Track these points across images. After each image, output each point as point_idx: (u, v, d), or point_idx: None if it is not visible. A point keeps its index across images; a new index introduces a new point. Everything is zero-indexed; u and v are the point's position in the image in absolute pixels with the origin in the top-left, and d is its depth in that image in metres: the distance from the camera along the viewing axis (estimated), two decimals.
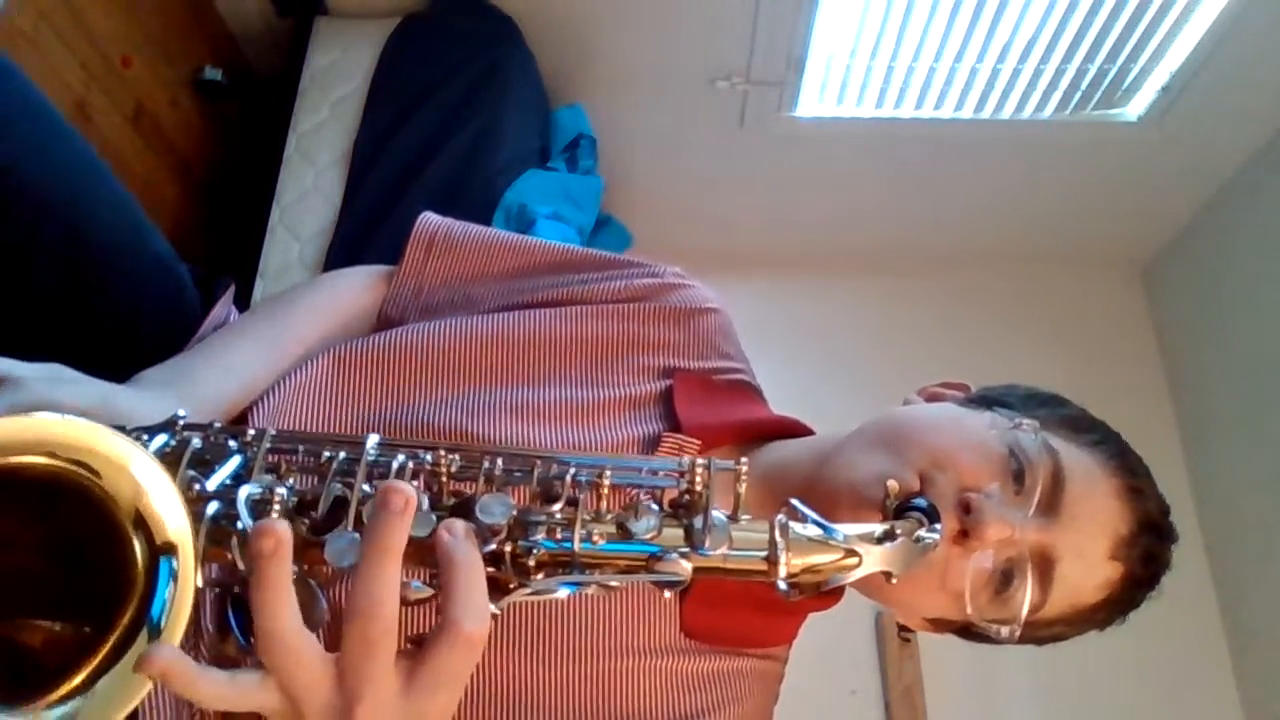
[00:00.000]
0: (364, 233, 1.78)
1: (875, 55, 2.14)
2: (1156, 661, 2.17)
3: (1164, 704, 2.20)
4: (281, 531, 0.41)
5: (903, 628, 2.16)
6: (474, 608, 0.42)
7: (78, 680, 0.37)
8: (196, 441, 0.48)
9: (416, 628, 0.44)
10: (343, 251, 1.77)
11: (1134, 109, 2.24)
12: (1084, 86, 2.18)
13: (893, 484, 0.53)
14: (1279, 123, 2.22)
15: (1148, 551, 0.66)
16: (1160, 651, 2.16)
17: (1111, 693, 2.17)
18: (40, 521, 0.40)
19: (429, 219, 0.86)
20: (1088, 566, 0.65)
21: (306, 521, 0.46)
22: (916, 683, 2.15)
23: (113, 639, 0.38)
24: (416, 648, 0.43)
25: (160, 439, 0.49)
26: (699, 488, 0.46)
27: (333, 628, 0.44)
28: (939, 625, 0.71)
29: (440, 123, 1.88)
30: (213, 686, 0.40)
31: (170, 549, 0.39)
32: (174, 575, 0.39)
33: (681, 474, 0.47)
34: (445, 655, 0.42)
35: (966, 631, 0.70)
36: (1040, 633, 0.68)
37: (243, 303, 1.48)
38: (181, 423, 0.50)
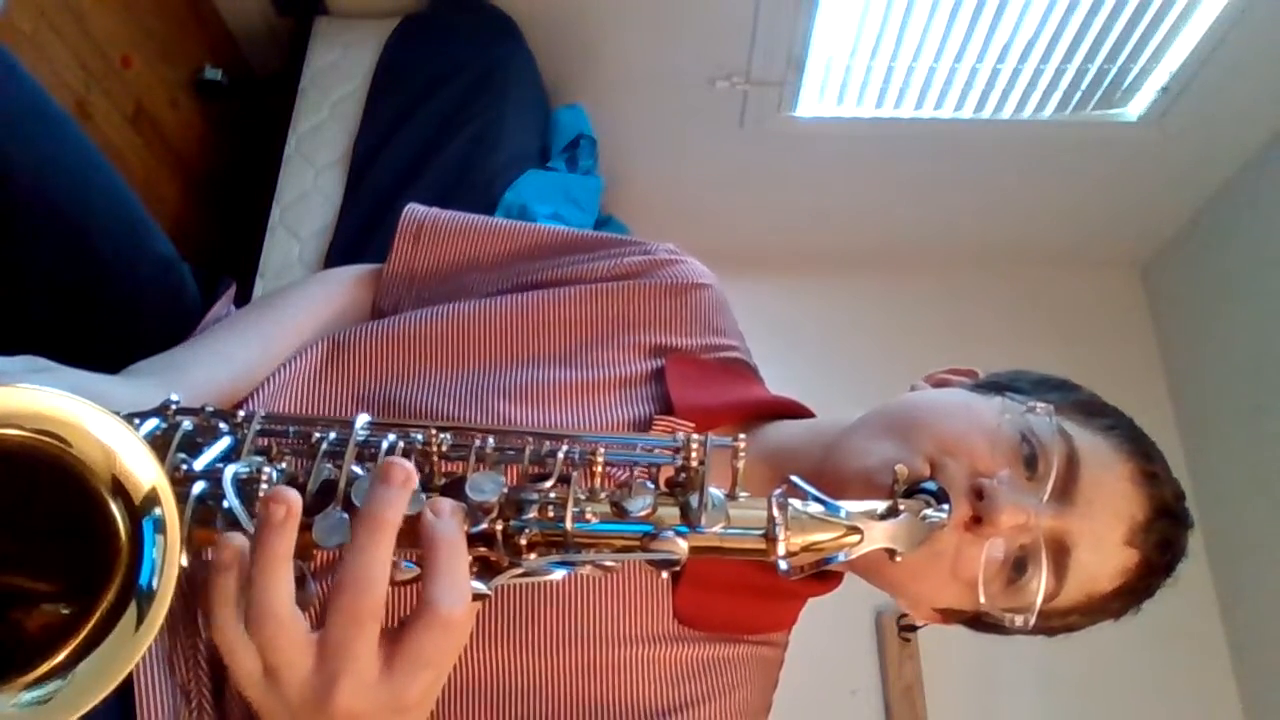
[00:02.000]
0: (364, 233, 1.78)
1: (875, 55, 2.14)
2: (1157, 660, 2.16)
3: (1164, 703, 2.19)
4: (293, 500, 0.40)
5: (903, 627, 2.15)
6: (452, 588, 0.41)
7: (58, 660, 0.36)
8: (188, 424, 0.48)
9: (405, 610, 0.44)
10: (343, 251, 1.77)
11: (1134, 109, 2.24)
12: (1084, 86, 2.18)
13: (901, 469, 0.51)
14: (1279, 123, 2.21)
15: (1164, 537, 0.65)
16: (1160, 650, 2.15)
17: (1111, 691, 2.17)
18: (17, 497, 0.39)
19: (415, 209, 0.85)
20: (1103, 553, 0.63)
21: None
22: (916, 683, 2.14)
23: (97, 615, 0.37)
24: (397, 629, 0.42)
25: (152, 423, 0.48)
26: (695, 465, 0.45)
27: (320, 612, 0.43)
28: (949, 616, 0.70)
29: (440, 123, 1.88)
30: (228, 621, 0.41)
31: (150, 503, 0.38)
32: (159, 527, 0.38)
33: (677, 451, 0.46)
34: (422, 636, 0.41)
35: (977, 622, 0.69)
36: (1053, 622, 0.67)
37: (243, 302, 1.48)
38: (174, 407, 0.50)
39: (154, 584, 0.37)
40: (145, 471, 0.38)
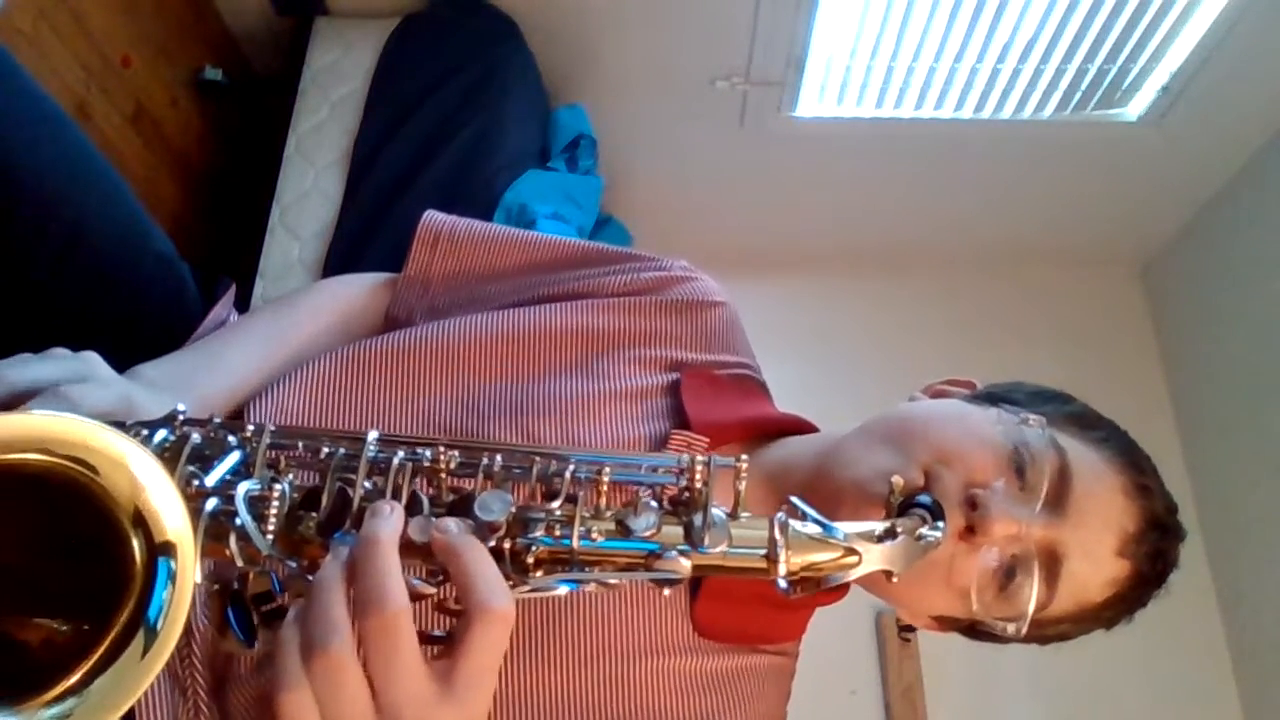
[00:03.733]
0: (364, 233, 1.78)
1: (875, 55, 2.14)
2: (1156, 661, 2.17)
3: (1164, 704, 2.20)
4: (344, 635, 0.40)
5: (903, 627, 2.16)
6: (497, 586, 0.42)
7: (74, 679, 0.37)
8: (196, 437, 0.48)
9: (422, 626, 0.44)
10: (343, 251, 1.77)
11: (1134, 109, 2.24)
12: (1084, 86, 2.18)
13: (897, 480, 0.52)
14: (1279, 123, 2.22)
15: (1155, 549, 0.66)
16: (1160, 652, 2.16)
17: (1111, 692, 2.17)
18: (37, 519, 0.40)
19: (434, 217, 0.85)
20: (1094, 564, 0.64)
21: (314, 519, 0.46)
22: (916, 683, 2.15)
23: (109, 638, 0.37)
24: (449, 644, 0.42)
25: (160, 434, 0.49)
26: (699, 485, 0.45)
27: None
28: (945, 623, 0.71)
29: (440, 123, 1.88)
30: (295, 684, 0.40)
31: (169, 549, 0.38)
32: (172, 577, 0.38)
33: (681, 471, 0.46)
34: (482, 641, 0.41)
35: (972, 630, 0.70)
36: (1046, 631, 0.68)
37: (242, 303, 1.48)
38: (181, 418, 0.50)
39: (159, 624, 0.37)
40: (172, 517, 0.38)
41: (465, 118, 1.88)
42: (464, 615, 0.42)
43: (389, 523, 0.42)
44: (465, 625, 0.42)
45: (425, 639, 0.43)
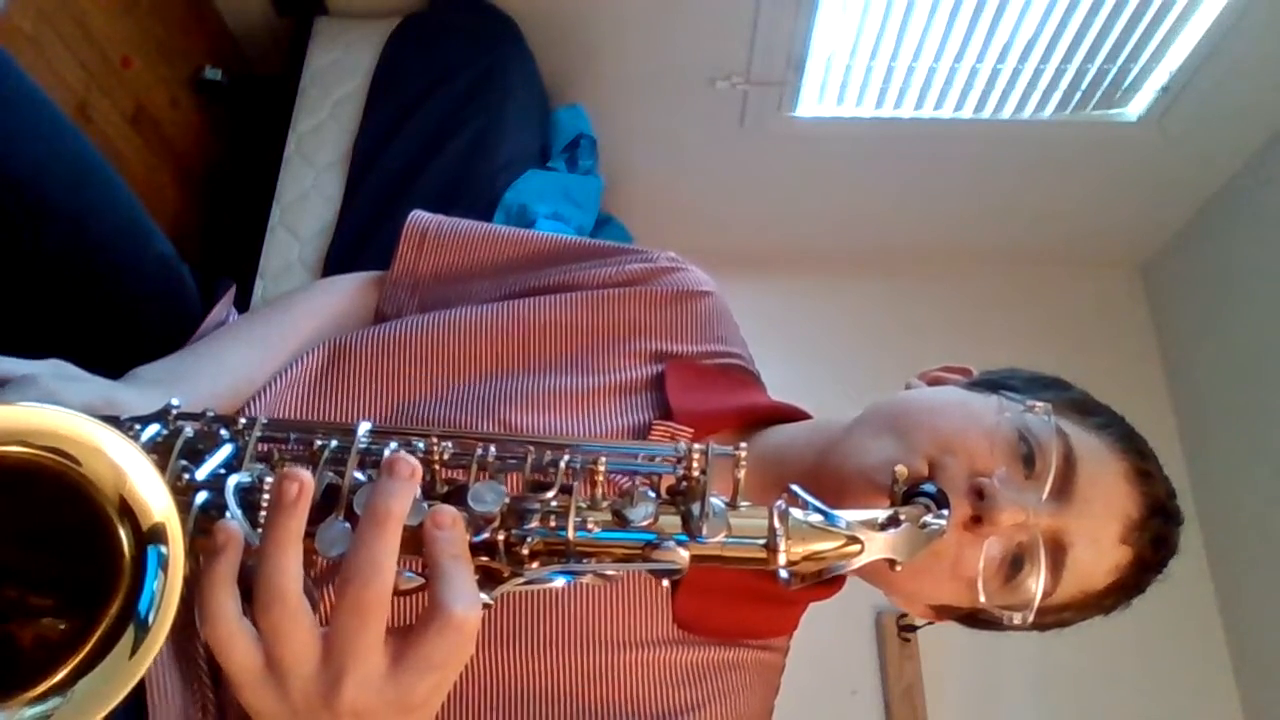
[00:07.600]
0: (364, 233, 1.78)
1: (875, 55, 2.14)
2: (1156, 660, 2.17)
3: (1163, 702, 2.19)
4: (305, 479, 0.40)
5: (904, 627, 2.16)
6: (464, 592, 0.41)
7: (59, 677, 0.36)
8: (189, 431, 0.48)
9: (407, 619, 0.43)
10: (343, 251, 1.77)
11: (1134, 109, 2.24)
12: (1084, 86, 2.18)
13: (901, 469, 0.51)
14: (1279, 123, 2.21)
15: (1158, 535, 0.66)
16: (1160, 651, 2.15)
17: (1111, 690, 2.17)
18: (20, 512, 0.39)
19: (419, 216, 0.86)
20: (1099, 551, 0.64)
21: None
22: (916, 683, 2.14)
23: (98, 634, 0.36)
24: (407, 629, 0.42)
25: (153, 428, 0.48)
26: (696, 474, 0.45)
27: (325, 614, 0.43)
28: (943, 612, 0.70)
29: (440, 123, 1.88)
30: (224, 607, 0.39)
31: (157, 534, 0.37)
32: (163, 564, 0.37)
33: (679, 460, 0.46)
34: (435, 639, 0.41)
35: (971, 619, 0.69)
36: (1047, 619, 0.67)
37: (242, 303, 1.48)
38: (174, 412, 0.50)
39: (151, 618, 0.37)
40: (157, 501, 0.37)
41: (465, 118, 1.88)
42: (426, 609, 0.42)
43: (402, 495, 0.41)
44: (425, 618, 0.41)
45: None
